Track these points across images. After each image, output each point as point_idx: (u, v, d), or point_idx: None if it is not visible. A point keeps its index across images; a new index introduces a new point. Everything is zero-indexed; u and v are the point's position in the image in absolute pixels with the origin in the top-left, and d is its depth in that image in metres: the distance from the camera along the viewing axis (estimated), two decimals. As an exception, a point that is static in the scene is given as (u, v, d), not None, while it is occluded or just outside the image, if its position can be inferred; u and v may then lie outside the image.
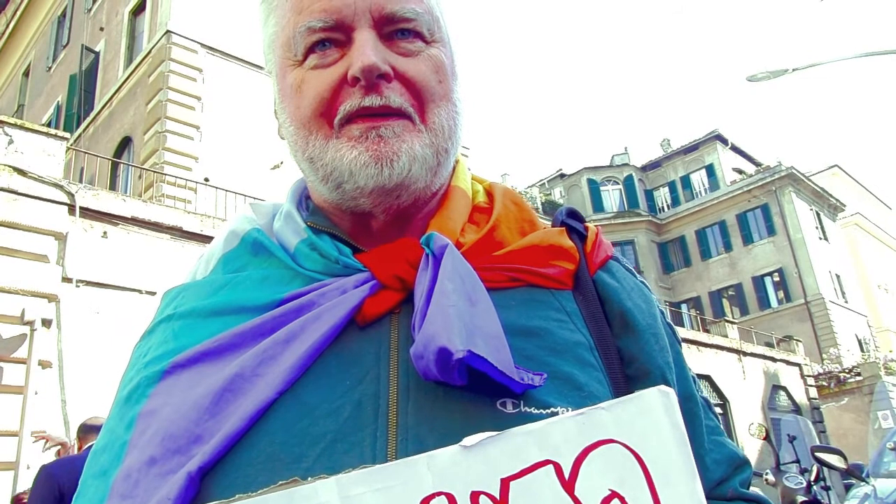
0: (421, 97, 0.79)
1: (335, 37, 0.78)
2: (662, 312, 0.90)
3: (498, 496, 0.49)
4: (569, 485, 0.49)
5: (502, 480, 0.49)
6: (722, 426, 0.90)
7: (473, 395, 0.66)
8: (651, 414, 0.52)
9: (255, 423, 0.67)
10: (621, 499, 0.49)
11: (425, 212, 0.85)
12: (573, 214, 0.93)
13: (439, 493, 0.49)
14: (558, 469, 0.50)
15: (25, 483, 8.08)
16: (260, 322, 0.75)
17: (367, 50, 0.75)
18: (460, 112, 0.84)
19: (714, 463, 0.84)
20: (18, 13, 26.71)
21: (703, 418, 0.85)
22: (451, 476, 0.50)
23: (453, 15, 0.90)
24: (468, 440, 0.51)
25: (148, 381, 0.74)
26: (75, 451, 4.76)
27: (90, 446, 4.14)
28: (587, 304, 0.82)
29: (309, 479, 0.50)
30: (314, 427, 0.66)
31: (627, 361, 0.80)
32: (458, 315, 0.66)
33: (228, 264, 0.86)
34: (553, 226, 0.91)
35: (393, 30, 0.79)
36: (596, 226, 0.93)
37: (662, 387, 0.54)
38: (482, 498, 0.49)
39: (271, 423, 0.67)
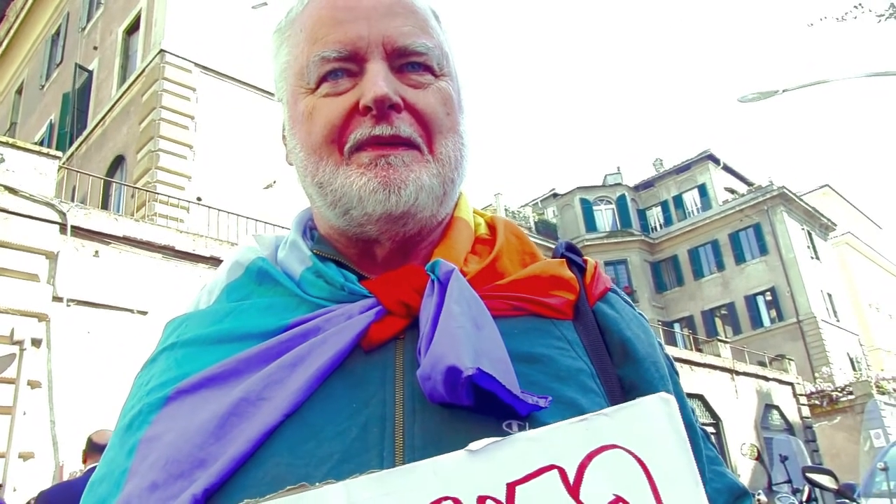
0: (429, 128, 0.81)
1: (348, 67, 0.80)
2: (661, 343, 0.91)
3: (504, 501, 0.49)
4: (574, 490, 0.50)
5: (508, 485, 0.50)
6: (718, 453, 0.91)
7: (479, 417, 0.67)
8: (653, 420, 0.53)
9: (260, 446, 0.67)
10: (626, 503, 0.50)
11: (429, 241, 0.86)
12: (572, 248, 0.95)
13: (446, 498, 0.49)
14: (563, 474, 0.50)
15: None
16: (266, 347, 0.75)
17: (379, 80, 0.77)
18: (466, 144, 0.86)
19: (715, 492, 0.85)
20: (12, 31, 26.77)
21: (704, 448, 0.86)
22: (458, 481, 0.50)
23: (460, 50, 0.92)
24: (474, 445, 0.52)
25: (150, 408, 0.74)
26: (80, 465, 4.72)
27: (91, 468, 4.13)
28: (587, 333, 0.83)
29: (317, 483, 0.51)
30: (320, 449, 0.66)
31: (628, 389, 0.81)
32: (466, 336, 0.67)
33: (232, 294, 0.86)
34: (553, 257, 0.93)
35: (404, 62, 0.81)
36: (595, 260, 0.95)
37: (663, 394, 0.54)
38: (488, 502, 0.49)
39: (277, 445, 0.67)
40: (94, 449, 4.29)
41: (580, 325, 0.84)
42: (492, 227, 0.94)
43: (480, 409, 0.67)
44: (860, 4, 13.46)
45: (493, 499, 0.49)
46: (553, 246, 0.95)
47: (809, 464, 8.55)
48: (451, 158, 0.82)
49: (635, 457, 0.51)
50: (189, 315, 0.86)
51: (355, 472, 0.64)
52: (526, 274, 0.84)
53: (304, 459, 0.65)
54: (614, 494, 0.50)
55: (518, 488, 0.50)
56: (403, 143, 0.79)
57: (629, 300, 0.95)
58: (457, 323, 0.69)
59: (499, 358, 0.68)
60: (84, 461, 4.40)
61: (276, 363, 0.73)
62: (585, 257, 0.94)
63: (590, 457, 0.51)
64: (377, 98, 0.76)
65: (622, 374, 0.82)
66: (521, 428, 0.67)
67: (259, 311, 0.81)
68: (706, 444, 0.88)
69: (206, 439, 0.68)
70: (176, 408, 0.73)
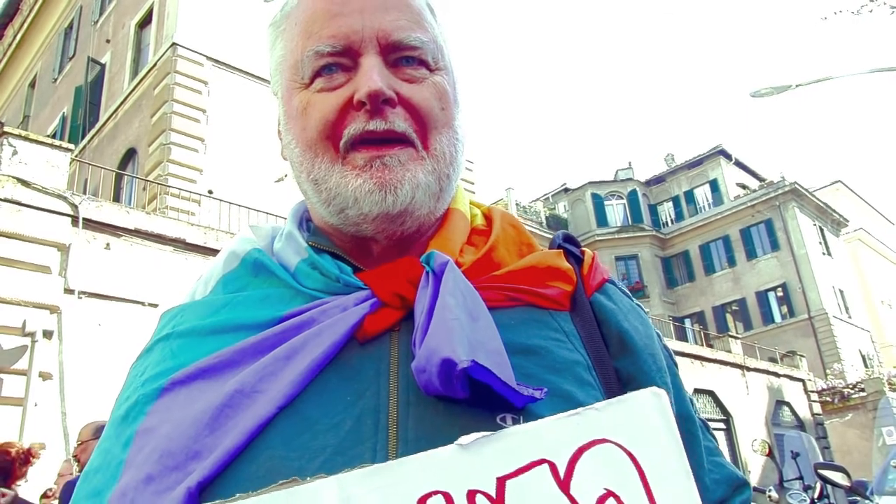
0: (424, 123, 0.81)
1: (342, 62, 0.80)
2: (659, 335, 0.91)
3: (494, 495, 0.49)
4: (564, 484, 0.50)
5: (498, 479, 0.50)
6: (720, 447, 0.91)
7: (473, 410, 0.67)
8: (643, 414, 0.53)
9: (254, 438, 0.67)
10: (617, 498, 0.50)
11: (426, 236, 0.86)
12: (569, 239, 0.94)
13: (436, 492, 0.49)
14: (553, 468, 0.50)
15: (23, 495, 8.04)
16: (260, 339, 0.75)
17: (373, 75, 0.77)
18: (461, 139, 0.86)
19: (714, 483, 0.85)
20: (26, 25, 26.90)
21: (702, 439, 0.86)
22: (448, 475, 0.50)
23: (456, 44, 0.92)
24: (464, 439, 0.52)
25: (146, 399, 0.74)
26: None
27: None
28: (584, 325, 0.83)
29: (308, 478, 0.51)
30: (314, 441, 0.66)
31: (625, 382, 0.81)
32: (461, 328, 0.67)
33: (228, 285, 0.86)
34: (550, 248, 0.92)
35: (398, 57, 0.81)
36: (593, 251, 0.94)
37: (654, 388, 0.54)
38: (479, 496, 0.49)
39: (271, 438, 0.67)
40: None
41: (577, 317, 0.84)
42: (488, 217, 0.94)
43: (475, 401, 0.67)
44: None
45: (484, 493, 0.49)
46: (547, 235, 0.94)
47: (821, 460, 8.49)
48: (445, 154, 0.82)
49: (626, 451, 0.51)
50: (185, 306, 0.86)
51: (349, 464, 0.64)
52: (522, 265, 0.84)
53: (299, 452, 0.65)
54: (605, 489, 0.50)
55: (508, 482, 0.50)
56: (398, 139, 0.78)
57: (627, 291, 0.95)
58: (451, 315, 0.68)
59: (494, 350, 0.68)
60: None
61: (270, 355, 0.73)
62: (583, 248, 0.94)
63: (580, 451, 0.51)
64: (371, 93, 0.76)
65: (619, 366, 0.81)
66: (516, 421, 0.67)
67: (254, 302, 0.82)
68: (705, 435, 0.88)
69: (201, 431, 0.68)
70: (171, 399, 0.73)
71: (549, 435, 0.52)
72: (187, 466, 0.65)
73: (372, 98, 0.76)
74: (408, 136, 0.79)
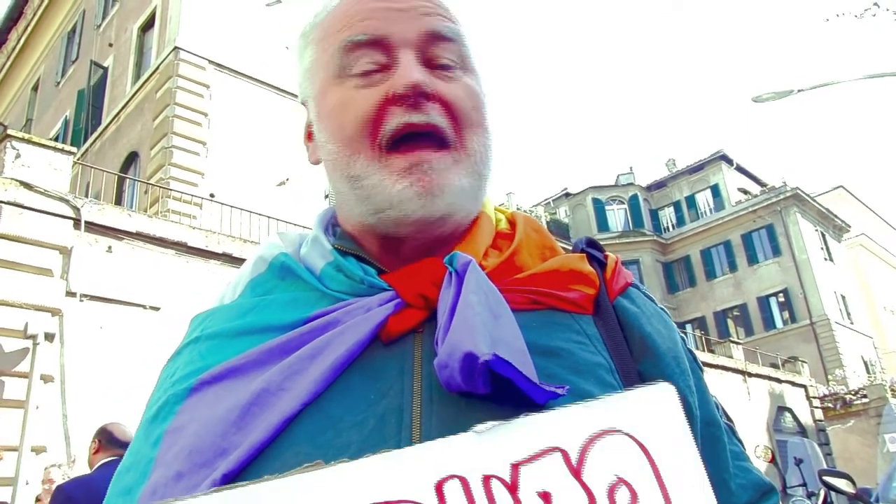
0: (459, 121, 0.81)
1: (378, 58, 0.81)
2: (683, 339, 0.91)
3: (509, 480, 0.50)
4: (576, 471, 0.51)
5: (513, 465, 0.51)
6: (747, 452, 0.90)
7: (496, 407, 0.67)
8: (653, 408, 0.54)
9: (279, 435, 0.68)
10: (628, 485, 0.51)
11: (455, 239, 0.86)
12: (592, 243, 0.95)
13: (453, 477, 0.50)
14: (566, 456, 0.51)
15: (24, 499, 8.05)
16: (286, 339, 0.76)
17: (412, 68, 0.78)
18: (492, 141, 0.87)
19: (740, 488, 0.85)
20: (29, 29, 27.00)
21: (728, 443, 0.86)
22: (464, 460, 0.51)
23: (482, 51, 0.93)
24: (480, 427, 0.53)
25: (175, 399, 0.76)
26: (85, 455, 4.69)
27: (106, 462, 4.12)
28: (607, 328, 0.83)
29: (332, 462, 0.52)
30: (338, 439, 0.67)
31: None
32: (483, 324, 0.67)
33: (256, 289, 0.88)
34: (573, 252, 0.93)
35: (432, 57, 0.82)
36: (616, 255, 0.94)
37: (663, 383, 0.55)
38: (493, 481, 0.50)
39: (296, 435, 0.68)
40: (111, 444, 4.27)
41: (600, 320, 0.84)
42: (512, 222, 0.94)
43: (498, 399, 0.67)
44: (877, 3, 13.42)
45: (499, 478, 0.50)
46: (565, 246, 0.95)
47: (825, 467, 8.48)
48: (479, 153, 0.83)
49: (636, 441, 0.52)
50: (214, 310, 0.88)
51: None
52: (545, 268, 0.84)
53: (322, 449, 0.66)
54: (617, 476, 0.51)
55: (522, 468, 0.51)
56: (436, 136, 0.79)
57: (651, 295, 0.95)
58: (473, 312, 0.69)
59: (516, 347, 0.68)
60: (96, 452, 4.37)
61: (295, 354, 0.74)
62: (607, 253, 0.94)
63: (591, 440, 0.52)
64: (411, 84, 0.77)
65: (642, 370, 0.81)
66: None
67: (281, 305, 0.83)
68: (731, 439, 0.88)
69: (228, 429, 0.69)
70: (199, 398, 0.74)
71: (561, 424, 0.53)
72: (215, 463, 0.67)
73: (412, 90, 0.77)
74: (445, 131, 0.80)
